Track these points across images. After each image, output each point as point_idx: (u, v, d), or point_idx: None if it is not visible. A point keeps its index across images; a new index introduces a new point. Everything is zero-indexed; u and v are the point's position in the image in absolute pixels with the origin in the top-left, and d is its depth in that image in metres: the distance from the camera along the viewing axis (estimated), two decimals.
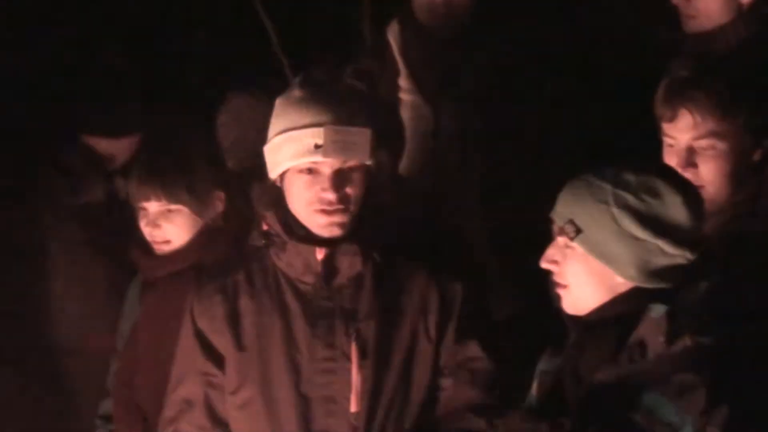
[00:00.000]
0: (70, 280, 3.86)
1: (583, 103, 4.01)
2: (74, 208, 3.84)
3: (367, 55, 4.10)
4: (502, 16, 3.95)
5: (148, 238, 3.49)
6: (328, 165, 2.97)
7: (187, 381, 3.13)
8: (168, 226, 3.47)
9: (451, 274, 3.12)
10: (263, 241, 3.09)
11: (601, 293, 2.70)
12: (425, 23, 3.91)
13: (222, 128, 3.98)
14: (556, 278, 2.75)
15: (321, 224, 3.01)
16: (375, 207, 3.08)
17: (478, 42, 3.91)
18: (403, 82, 3.94)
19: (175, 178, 3.45)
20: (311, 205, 3.00)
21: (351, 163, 2.99)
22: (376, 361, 3.04)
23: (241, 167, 3.84)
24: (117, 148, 3.86)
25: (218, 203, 3.51)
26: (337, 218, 3.00)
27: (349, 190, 3.00)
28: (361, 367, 3.02)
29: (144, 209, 3.48)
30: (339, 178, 2.98)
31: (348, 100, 3.04)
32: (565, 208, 2.73)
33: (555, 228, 2.75)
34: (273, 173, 3.05)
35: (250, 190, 3.65)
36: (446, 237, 3.70)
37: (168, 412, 3.17)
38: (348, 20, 4.66)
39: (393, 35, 3.97)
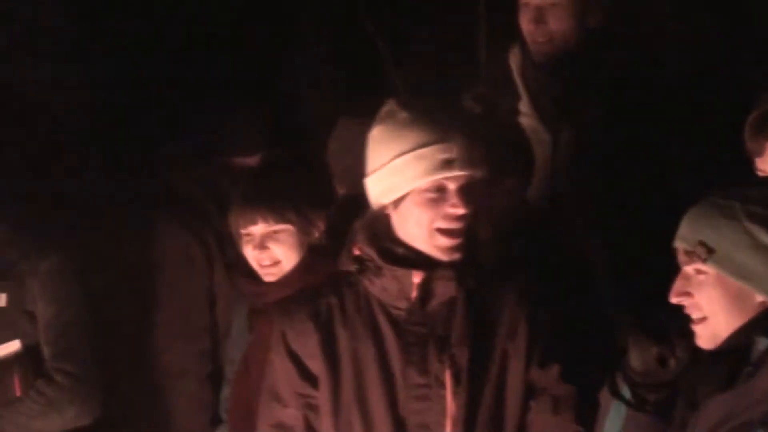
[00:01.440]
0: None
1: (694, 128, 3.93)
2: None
3: (484, 79, 4.06)
4: (609, 44, 3.87)
5: (255, 263, 3.46)
6: (455, 181, 2.95)
7: (284, 405, 3.10)
8: (275, 248, 3.44)
9: (540, 297, 3.07)
10: (355, 266, 3.06)
11: (738, 318, 2.60)
12: (533, 53, 3.85)
13: (333, 154, 3.96)
14: (691, 312, 2.65)
15: (443, 246, 2.98)
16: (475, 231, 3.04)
17: (589, 68, 3.84)
18: (523, 106, 3.89)
19: (281, 199, 3.43)
20: (436, 224, 2.96)
21: (474, 178, 2.97)
22: (470, 387, 2.99)
23: (353, 192, 3.83)
24: (251, 165, 3.92)
25: (321, 222, 3.48)
26: (460, 241, 2.97)
27: (472, 207, 2.97)
28: (455, 393, 2.98)
29: (249, 234, 3.45)
30: (466, 193, 2.95)
31: (465, 116, 3.10)
32: (692, 231, 2.64)
33: (681, 256, 2.66)
34: (388, 197, 3.01)
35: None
36: (565, 262, 3.62)
37: None
38: (465, 45, 4.60)
39: (514, 60, 3.92)
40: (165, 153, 4.07)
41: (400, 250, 3.01)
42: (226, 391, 3.64)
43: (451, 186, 2.96)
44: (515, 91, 3.90)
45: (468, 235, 3.00)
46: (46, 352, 3.55)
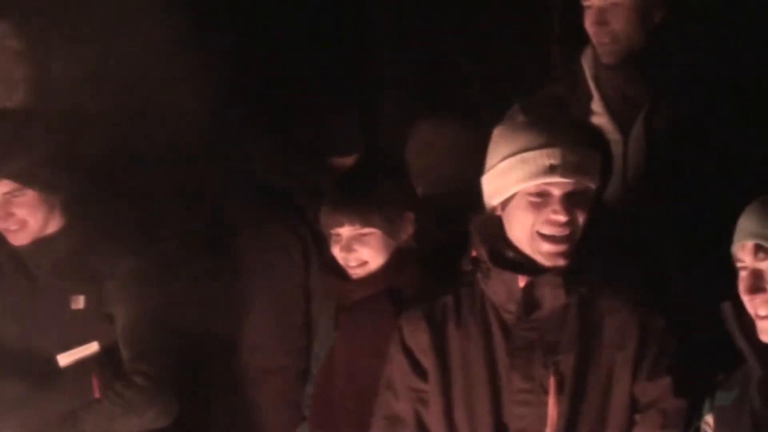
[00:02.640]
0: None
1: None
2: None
3: (557, 79, 4.05)
4: (676, 39, 3.85)
5: (343, 262, 3.50)
6: (559, 187, 2.96)
7: (397, 397, 3.14)
8: (362, 249, 3.47)
9: (653, 308, 3.04)
10: (471, 267, 3.09)
11: None
12: (600, 53, 3.84)
13: (412, 154, 3.98)
14: (761, 308, 2.64)
15: (546, 252, 2.98)
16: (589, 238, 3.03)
17: (657, 66, 3.82)
18: (595, 106, 3.87)
19: (367, 202, 3.46)
20: (538, 229, 2.97)
21: (578, 186, 2.97)
22: (573, 395, 2.98)
23: (431, 193, 3.85)
24: (347, 165, 3.94)
25: (409, 225, 3.51)
26: (562, 247, 2.97)
27: (578, 215, 2.98)
28: (558, 401, 2.97)
29: (338, 235, 3.49)
30: (569, 201, 2.95)
31: (578, 124, 3.08)
32: (764, 227, 2.59)
33: (750, 253, 2.66)
34: (496, 198, 3.05)
35: (441, 214, 3.66)
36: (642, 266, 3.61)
37: (377, 429, 3.19)
38: (537, 44, 4.60)
39: (587, 60, 3.90)
40: (263, 149, 4.07)
41: (510, 254, 3.03)
42: (310, 388, 3.66)
43: (556, 192, 2.96)
44: (587, 91, 3.90)
45: (574, 242, 2.99)
46: (124, 354, 3.55)
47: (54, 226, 3.62)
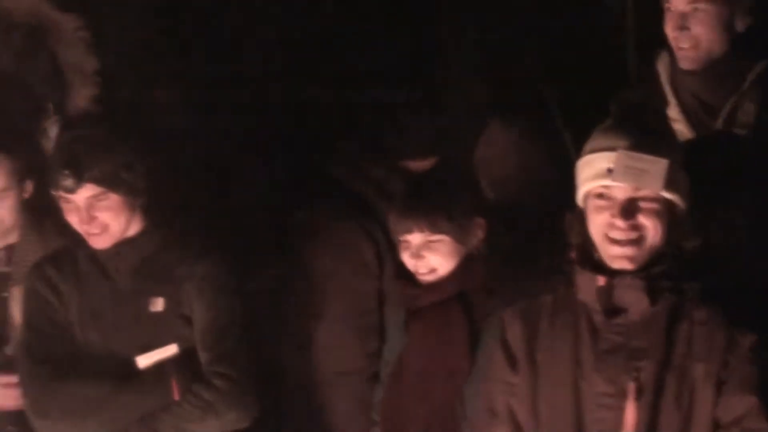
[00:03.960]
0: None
1: None
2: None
3: (632, 84, 4.03)
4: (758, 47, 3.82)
5: (412, 269, 3.51)
6: (620, 191, 2.96)
7: (491, 391, 3.15)
8: (431, 257, 3.49)
9: (743, 322, 3.00)
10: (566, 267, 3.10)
11: None
12: (678, 59, 3.82)
13: (483, 158, 3.96)
14: None
15: (612, 254, 2.98)
16: (679, 245, 3.01)
17: (738, 73, 3.79)
18: (672, 112, 3.85)
19: (436, 210, 3.47)
20: (601, 230, 2.98)
21: (644, 192, 2.95)
22: (652, 403, 2.96)
23: (502, 197, 3.81)
24: (423, 169, 3.94)
25: (479, 231, 3.52)
26: (628, 250, 2.96)
27: (642, 220, 2.96)
28: (636, 407, 2.95)
29: (407, 242, 3.51)
30: (630, 206, 2.95)
31: (648, 128, 3.02)
32: None
33: None
34: (577, 197, 3.07)
35: (511, 219, 3.63)
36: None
37: (475, 422, 3.23)
38: (612, 49, 4.58)
39: (663, 65, 3.89)
40: (338, 151, 4.08)
41: (596, 254, 3.03)
42: (379, 393, 3.67)
43: (617, 196, 2.96)
44: (664, 97, 3.88)
45: (644, 246, 2.97)
46: (203, 356, 3.57)
47: (134, 229, 3.65)
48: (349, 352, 3.91)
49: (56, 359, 3.58)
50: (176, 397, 3.52)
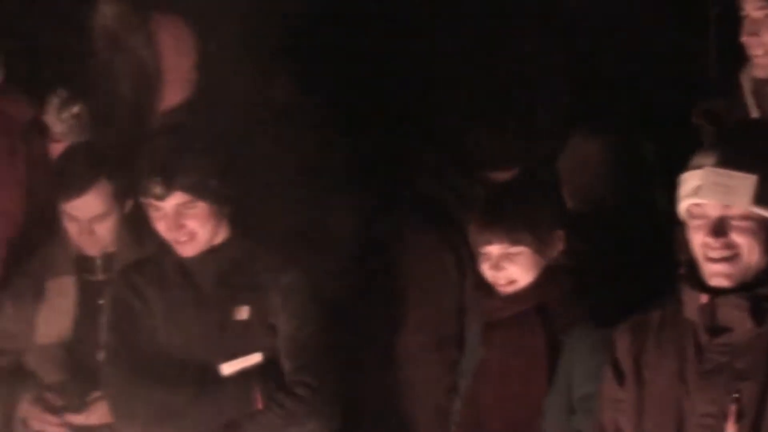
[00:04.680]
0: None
1: None
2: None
3: (714, 94, 4.00)
4: None
5: (491, 280, 3.51)
6: (712, 209, 2.91)
7: (603, 407, 3.12)
8: (511, 268, 3.49)
9: None
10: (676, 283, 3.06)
11: None
12: (753, 66, 3.79)
13: (565, 169, 3.97)
14: None
15: (709, 272, 2.93)
16: None
17: None
18: None
19: (516, 221, 3.47)
20: (700, 250, 2.94)
21: (736, 209, 2.90)
22: (754, 425, 2.90)
23: (584, 209, 3.83)
24: (505, 179, 3.94)
25: (559, 242, 3.52)
26: (724, 268, 2.91)
27: (735, 238, 2.90)
28: (737, 430, 2.90)
29: (486, 253, 3.51)
30: (721, 224, 2.90)
31: (738, 143, 2.97)
32: None
33: None
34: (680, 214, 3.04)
35: (592, 231, 3.64)
36: None
37: None
38: (693, 58, 4.56)
39: (746, 76, 3.85)
40: (421, 160, 4.12)
41: (700, 271, 2.98)
42: (457, 404, 3.66)
43: (709, 213, 2.92)
44: (746, 107, 3.85)
45: (742, 265, 2.91)
46: (286, 365, 3.58)
47: (220, 237, 3.67)
48: (427, 361, 3.93)
49: (141, 365, 3.61)
50: (259, 405, 3.53)
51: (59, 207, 3.99)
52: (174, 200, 3.57)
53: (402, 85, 4.40)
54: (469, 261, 3.85)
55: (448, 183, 4.03)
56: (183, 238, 3.62)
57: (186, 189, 3.56)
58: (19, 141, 4.48)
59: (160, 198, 3.56)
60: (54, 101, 4.19)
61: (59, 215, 4.00)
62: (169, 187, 3.55)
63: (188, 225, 3.60)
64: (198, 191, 3.57)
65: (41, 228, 4.23)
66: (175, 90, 4.22)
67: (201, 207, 3.59)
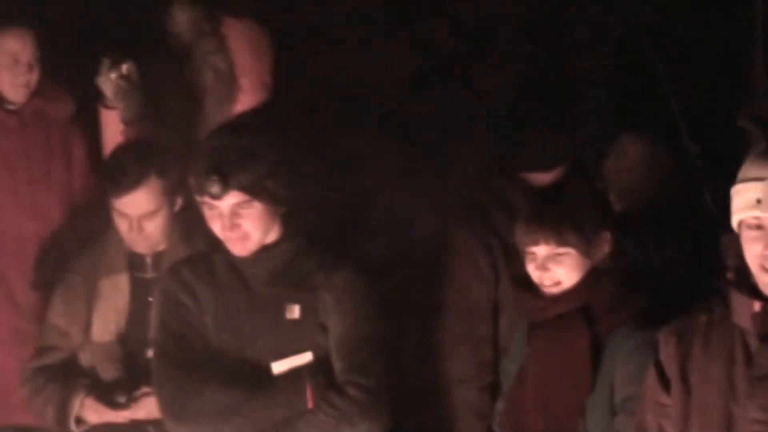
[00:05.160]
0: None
1: None
2: None
3: (761, 96, 4.00)
4: None
5: (537, 280, 3.53)
6: None
7: (645, 410, 3.14)
8: (557, 269, 3.50)
9: None
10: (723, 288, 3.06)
11: None
12: None
13: (611, 171, 3.97)
14: None
15: (763, 282, 2.94)
16: None
17: None
18: None
19: (563, 222, 3.48)
20: (756, 261, 2.94)
21: None
22: None
23: (630, 211, 3.86)
24: (545, 181, 3.93)
25: (605, 244, 3.53)
26: None
27: None
28: None
29: (532, 253, 3.53)
30: None
31: None
32: None
33: None
34: (732, 222, 3.03)
35: (638, 233, 3.66)
36: None
37: None
38: (738, 64, 4.56)
39: None
40: (462, 161, 4.14)
41: (752, 277, 2.98)
42: (500, 404, 3.68)
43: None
44: None
45: None
46: (337, 365, 3.58)
47: (273, 236, 3.65)
48: (461, 360, 3.93)
49: (191, 363, 3.60)
50: (310, 405, 3.53)
51: (109, 204, 4.02)
52: (230, 199, 3.55)
53: (445, 88, 4.42)
54: (503, 261, 3.88)
55: (486, 183, 4.03)
56: (237, 238, 3.60)
57: (243, 188, 3.54)
58: (55, 140, 4.58)
59: (217, 197, 3.54)
60: (104, 63, 4.20)
61: (110, 212, 4.04)
62: (226, 186, 3.52)
63: (243, 225, 3.58)
64: (254, 191, 3.54)
65: (86, 226, 4.30)
66: (250, 94, 4.23)
67: (256, 207, 3.57)
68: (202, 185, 3.55)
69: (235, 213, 3.57)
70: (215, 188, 3.52)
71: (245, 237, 3.60)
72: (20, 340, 4.50)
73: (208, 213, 3.61)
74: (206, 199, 3.57)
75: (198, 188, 3.58)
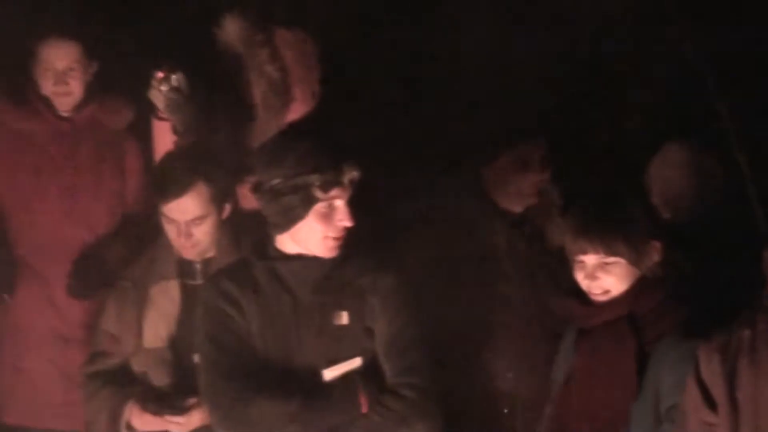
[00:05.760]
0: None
1: None
2: None
3: None
4: None
5: (586, 289, 3.54)
6: None
7: (690, 429, 3.15)
8: (606, 278, 3.51)
9: None
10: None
11: None
12: None
13: (658, 180, 3.97)
14: None
15: None
16: None
17: None
18: None
19: (612, 231, 3.48)
20: None
21: None
22: None
23: (677, 219, 3.87)
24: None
25: (655, 254, 3.53)
26: None
27: None
28: None
29: (581, 262, 3.54)
30: None
31: None
32: None
33: None
34: None
35: (688, 243, 3.66)
36: None
37: None
38: None
39: None
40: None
41: None
42: (547, 409, 3.70)
43: None
44: None
45: None
46: (387, 368, 3.59)
47: None
48: (510, 362, 4.03)
49: (242, 374, 3.59)
50: (364, 409, 3.54)
51: (158, 210, 4.05)
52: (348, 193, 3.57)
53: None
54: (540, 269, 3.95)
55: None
56: (343, 235, 3.61)
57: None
58: (108, 149, 4.61)
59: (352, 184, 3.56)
60: (155, 75, 4.23)
61: (159, 219, 4.07)
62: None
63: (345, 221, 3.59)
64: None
65: (135, 234, 4.34)
66: (301, 103, 4.26)
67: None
68: (337, 176, 3.54)
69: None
70: (354, 172, 3.54)
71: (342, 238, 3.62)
72: (61, 345, 4.54)
73: (323, 212, 3.58)
74: (334, 192, 3.55)
75: (328, 184, 3.54)
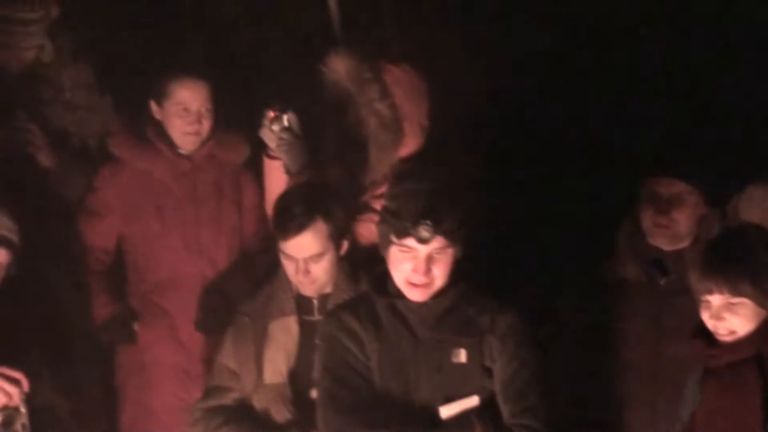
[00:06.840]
0: None
1: None
2: None
3: None
4: None
5: (711, 329, 3.49)
6: None
7: None
8: (732, 318, 3.47)
9: None
10: None
11: None
12: None
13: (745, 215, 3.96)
14: None
15: None
16: None
17: None
18: None
19: (738, 272, 3.44)
20: None
21: None
22: None
23: None
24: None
25: None
26: None
27: None
28: None
29: (707, 302, 3.50)
30: None
31: None
32: None
33: None
34: None
35: None
36: None
37: None
38: None
39: None
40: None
41: None
42: None
43: None
44: None
45: None
46: (505, 408, 3.59)
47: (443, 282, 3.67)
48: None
49: (360, 409, 3.60)
50: None
51: (278, 247, 4.07)
52: (434, 244, 3.58)
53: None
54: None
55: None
56: (424, 284, 3.62)
57: (446, 234, 3.57)
58: (226, 184, 4.67)
59: (426, 241, 3.56)
60: (266, 115, 4.27)
61: (278, 256, 4.09)
62: (437, 230, 3.54)
63: (434, 270, 3.61)
64: (453, 237, 3.59)
65: (254, 269, 4.37)
66: (411, 138, 4.27)
67: (449, 253, 3.62)
68: (409, 229, 3.55)
69: (430, 258, 3.59)
70: (426, 232, 3.54)
71: (431, 282, 3.63)
72: (184, 380, 4.59)
73: (400, 256, 3.60)
74: (408, 242, 3.57)
75: (401, 232, 3.57)
